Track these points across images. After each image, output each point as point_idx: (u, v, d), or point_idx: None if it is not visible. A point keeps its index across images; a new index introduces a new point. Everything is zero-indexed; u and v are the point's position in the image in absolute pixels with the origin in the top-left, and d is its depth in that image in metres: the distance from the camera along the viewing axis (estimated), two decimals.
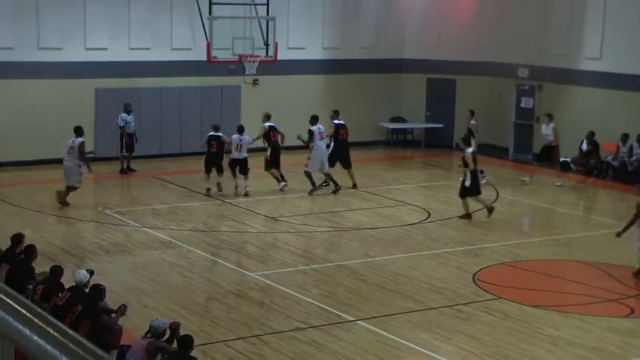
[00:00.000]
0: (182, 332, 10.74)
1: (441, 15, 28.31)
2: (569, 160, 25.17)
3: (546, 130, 23.56)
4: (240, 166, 20.99)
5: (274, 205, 20.17)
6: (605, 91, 24.86)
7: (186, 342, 10.19)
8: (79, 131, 19.66)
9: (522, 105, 27.60)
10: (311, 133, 21.21)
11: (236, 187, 20.89)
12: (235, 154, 21.01)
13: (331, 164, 21.32)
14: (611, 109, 24.53)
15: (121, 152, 23.00)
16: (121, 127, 22.75)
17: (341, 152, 21.62)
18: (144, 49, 24.97)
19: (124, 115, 22.79)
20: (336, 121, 21.76)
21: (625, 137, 23.90)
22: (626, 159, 23.74)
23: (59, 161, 20.23)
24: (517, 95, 27.71)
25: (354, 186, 21.63)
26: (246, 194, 20.78)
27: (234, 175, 20.99)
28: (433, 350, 11.91)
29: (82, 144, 19.43)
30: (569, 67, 25.90)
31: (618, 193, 22.78)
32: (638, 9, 24.08)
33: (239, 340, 12.11)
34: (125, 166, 23.11)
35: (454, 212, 19.80)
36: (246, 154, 21.03)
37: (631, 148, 23.90)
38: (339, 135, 21.63)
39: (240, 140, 21.14)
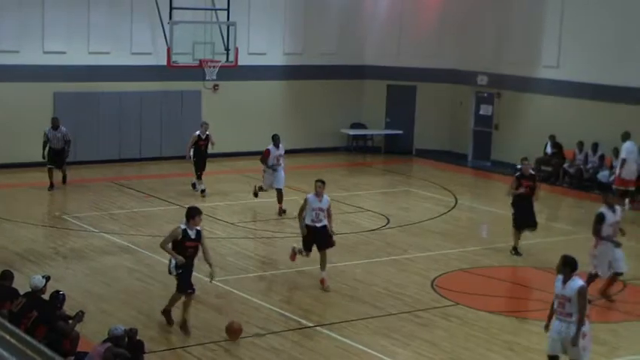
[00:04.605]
0: (140, 338, 10.68)
1: (402, 22, 28.48)
2: None
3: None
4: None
5: (234, 211, 20.12)
6: (562, 99, 25.18)
7: (136, 348, 10.17)
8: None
9: (481, 112, 27.86)
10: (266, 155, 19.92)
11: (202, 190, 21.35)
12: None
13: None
14: (568, 116, 24.84)
15: (48, 165, 21.44)
16: (44, 141, 21.35)
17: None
18: (103, 53, 24.81)
19: (47, 129, 21.44)
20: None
21: (581, 145, 24.22)
22: (582, 166, 24.05)
23: (16, 165, 20.02)
24: (476, 102, 27.96)
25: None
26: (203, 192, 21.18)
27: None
28: (392, 356, 11.96)
29: None
30: (527, 75, 26.20)
31: (574, 200, 23.07)
32: (595, 18, 24.42)
33: (198, 346, 12.05)
34: (59, 179, 21.72)
35: (413, 218, 19.91)
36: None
37: (587, 156, 24.22)
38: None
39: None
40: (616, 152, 22.72)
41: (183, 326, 12.41)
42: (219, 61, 23.95)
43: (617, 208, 14.42)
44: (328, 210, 14.79)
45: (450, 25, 28.22)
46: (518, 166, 18.09)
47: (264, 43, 27.01)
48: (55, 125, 21.55)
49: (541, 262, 16.74)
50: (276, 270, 15.96)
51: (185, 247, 12.24)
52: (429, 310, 13.77)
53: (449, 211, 21.09)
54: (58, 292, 11.30)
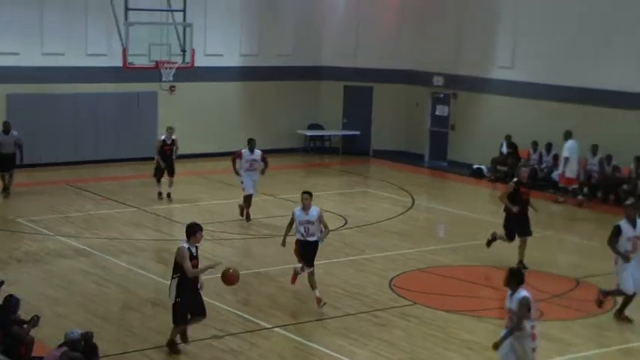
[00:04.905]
0: (96, 342, 10.60)
1: (359, 23, 28.58)
2: (483, 167, 25.71)
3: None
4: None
5: (191, 213, 20.01)
6: (517, 100, 25.45)
7: (90, 351, 10.11)
8: None
9: (437, 113, 28.05)
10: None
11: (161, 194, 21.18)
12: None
13: None
14: (523, 116, 25.11)
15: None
16: None
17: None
18: (58, 54, 24.56)
19: None
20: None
21: (535, 145, 24.49)
22: (536, 166, 24.32)
23: None
24: (432, 103, 28.15)
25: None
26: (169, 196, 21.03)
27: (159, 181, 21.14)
28: (350, 356, 12.00)
29: None
30: (482, 75, 26.44)
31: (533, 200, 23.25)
32: (548, 20, 24.74)
33: (155, 349, 11.99)
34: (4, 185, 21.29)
35: (371, 219, 19.99)
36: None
37: (541, 156, 24.51)
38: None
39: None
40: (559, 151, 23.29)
41: (181, 341, 11.98)
42: (176, 63, 23.79)
43: (639, 222, 13.50)
44: (321, 222, 13.89)
45: (406, 27, 28.37)
46: (515, 179, 16.74)
47: (220, 45, 26.94)
48: (6, 129, 21.21)
49: (498, 260, 16.89)
50: None
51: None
52: (387, 310, 13.84)
53: (406, 211, 21.21)
54: (11, 296, 11.16)
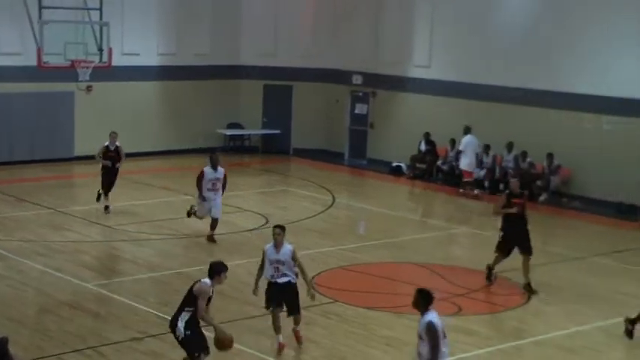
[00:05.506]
0: (12, 347, 10.37)
1: (278, 22, 28.59)
2: (402, 165, 26.00)
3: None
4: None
5: (111, 214, 19.75)
6: (434, 98, 25.83)
7: (3, 356, 9.88)
8: None
9: (357, 111, 28.26)
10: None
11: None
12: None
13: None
14: (440, 114, 25.49)
15: None
16: None
17: None
18: None
19: None
20: None
21: (452, 142, 24.88)
22: (454, 163, 24.70)
23: None
24: (352, 102, 28.35)
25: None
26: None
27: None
28: (273, 355, 12.00)
29: None
30: (400, 74, 26.74)
31: (447, 196, 23.68)
32: (463, 20, 25.17)
33: (73, 352, 11.80)
34: None
35: (291, 217, 20.02)
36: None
37: (458, 153, 24.89)
38: None
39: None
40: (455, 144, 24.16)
41: None
42: (93, 62, 23.46)
43: None
44: (294, 261, 12.12)
45: (325, 26, 28.51)
46: (506, 191, 15.82)
47: (137, 44, 26.63)
48: None
49: (417, 257, 17.12)
50: (154, 272, 15.77)
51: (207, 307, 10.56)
52: (309, 309, 13.85)
53: (326, 209, 21.31)
54: None
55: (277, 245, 12.04)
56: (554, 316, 14.14)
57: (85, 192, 21.15)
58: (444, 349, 9.26)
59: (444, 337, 9.33)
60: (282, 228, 12.13)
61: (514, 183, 15.59)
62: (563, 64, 22.93)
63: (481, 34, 24.70)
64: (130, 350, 11.97)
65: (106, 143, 19.92)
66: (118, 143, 19.88)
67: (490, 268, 15.43)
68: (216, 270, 10.46)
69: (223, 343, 10.54)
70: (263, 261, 12.13)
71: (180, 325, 10.37)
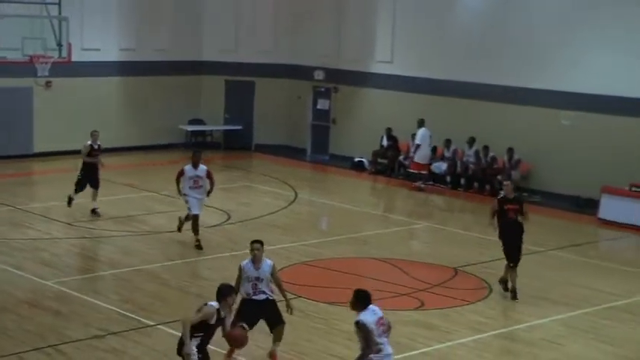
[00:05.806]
0: None
1: (239, 18, 28.51)
2: (364, 160, 26.08)
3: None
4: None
5: (70, 211, 19.57)
6: (396, 93, 25.93)
7: None
8: None
9: (319, 107, 28.29)
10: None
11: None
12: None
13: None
14: (402, 110, 25.60)
15: None
16: None
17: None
18: None
19: None
20: None
21: (413, 137, 24.96)
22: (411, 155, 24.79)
23: None
24: (314, 97, 28.37)
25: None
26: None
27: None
28: (235, 351, 11.97)
29: None
30: (362, 69, 26.81)
31: (409, 191, 23.76)
32: (425, 16, 25.29)
33: (33, 351, 11.69)
34: None
35: (254, 213, 19.99)
36: None
37: (417, 147, 25.00)
38: None
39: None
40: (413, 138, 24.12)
41: None
42: (52, 57, 23.23)
43: None
44: (274, 278, 11.58)
45: (286, 21, 28.49)
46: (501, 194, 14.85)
47: (98, 39, 26.39)
48: None
49: (379, 252, 17.18)
50: (115, 269, 15.67)
51: (212, 332, 9.90)
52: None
53: (289, 205, 21.32)
54: None
55: (256, 261, 11.41)
56: (514, 309, 14.28)
57: (44, 189, 20.95)
58: (382, 345, 9.31)
59: (384, 333, 9.41)
60: (261, 243, 11.48)
61: (508, 186, 14.48)
62: (522, 60, 23.14)
63: (443, 30, 24.88)
64: (90, 348, 11.88)
65: (89, 142, 19.59)
66: (99, 142, 19.61)
67: (505, 281, 14.65)
68: (224, 293, 9.95)
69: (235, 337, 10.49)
70: (240, 277, 11.46)
71: (192, 352, 9.69)
